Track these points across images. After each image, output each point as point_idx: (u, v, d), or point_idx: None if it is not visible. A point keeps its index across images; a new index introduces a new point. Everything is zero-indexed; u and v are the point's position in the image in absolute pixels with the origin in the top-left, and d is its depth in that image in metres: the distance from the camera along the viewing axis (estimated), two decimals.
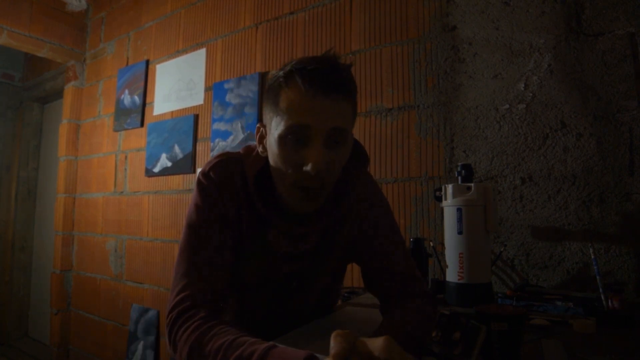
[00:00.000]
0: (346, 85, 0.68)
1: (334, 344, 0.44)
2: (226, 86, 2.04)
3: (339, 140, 0.69)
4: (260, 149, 0.76)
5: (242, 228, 0.77)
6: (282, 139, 0.68)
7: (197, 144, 2.14)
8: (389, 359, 0.42)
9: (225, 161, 0.77)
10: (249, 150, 0.80)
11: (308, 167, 0.66)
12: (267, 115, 0.72)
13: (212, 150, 2.05)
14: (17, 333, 3.29)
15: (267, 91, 0.72)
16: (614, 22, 1.17)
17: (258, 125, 0.77)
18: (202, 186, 0.76)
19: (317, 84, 0.65)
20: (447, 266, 1.06)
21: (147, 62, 2.48)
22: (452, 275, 1.04)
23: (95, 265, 2.63)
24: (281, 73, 0.69)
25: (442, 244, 1.18)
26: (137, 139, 2.47)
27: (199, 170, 0.82)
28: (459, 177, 1.11)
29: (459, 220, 1.03)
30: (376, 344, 0.44)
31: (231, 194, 0.75)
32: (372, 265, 0.83)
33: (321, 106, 0.66)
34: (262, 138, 0.76)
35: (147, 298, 2.28)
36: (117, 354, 2.40)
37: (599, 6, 1.19)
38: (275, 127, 0.69)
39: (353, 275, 1.49)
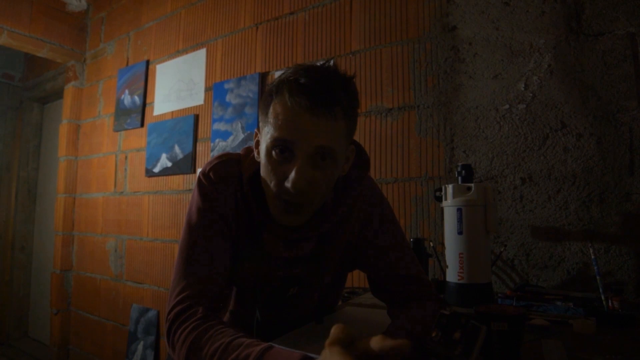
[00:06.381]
0: (340, 102, 0.65)
1: (332, 333, 0.45)
2: (226, 86, 2.04)
3: (325, 158, 0.66)
4: (255, 154, 0.76)
5: (240, 229, 0.77)
6: (268, 150, 0.68)
7: (197, 144, 2.14)
8: (382, 348, 0.44)
9: (224, 162, 0.77)
10: (248, 151, 0.80)
11: (288, 184, 0.65)
12: (261, 122, 0.72)
13: (212, 150, 2.05)
14: (17, 333, 3.29)
15: (263, 96, 0.71)
16: (614, 22, 1.17)
17: (256, 130, 0.77)
18: (202, 186, 0.76)
19: (304, 100, 0.63)
20: (447, 266, 1.06)
21: (147, 62, 2.48)
22: (452, 275, 1.04)
23: (95, 265, 2.63)
24: (275, 81, 0.68)
25: (442, 244, 1.18)
26: (137, 139, 2.47)
27: (199, 170, 0.82)
28: (459, 177, 1.11)
29: (459, 220, 1.03)
30: (373, 340, 0.45)
31: (229, 195, 0.75)
32: (379, 271, 0.82)
33: (307, 124, 0.64)
34: (258, 143, 0.75)
35: (147, 298, 2.28)
36: (117, 354, 2.40)
37: (599, 6, 1.19)
38: (264, 137, 0.69)
39: (353, 275, 1.49)
